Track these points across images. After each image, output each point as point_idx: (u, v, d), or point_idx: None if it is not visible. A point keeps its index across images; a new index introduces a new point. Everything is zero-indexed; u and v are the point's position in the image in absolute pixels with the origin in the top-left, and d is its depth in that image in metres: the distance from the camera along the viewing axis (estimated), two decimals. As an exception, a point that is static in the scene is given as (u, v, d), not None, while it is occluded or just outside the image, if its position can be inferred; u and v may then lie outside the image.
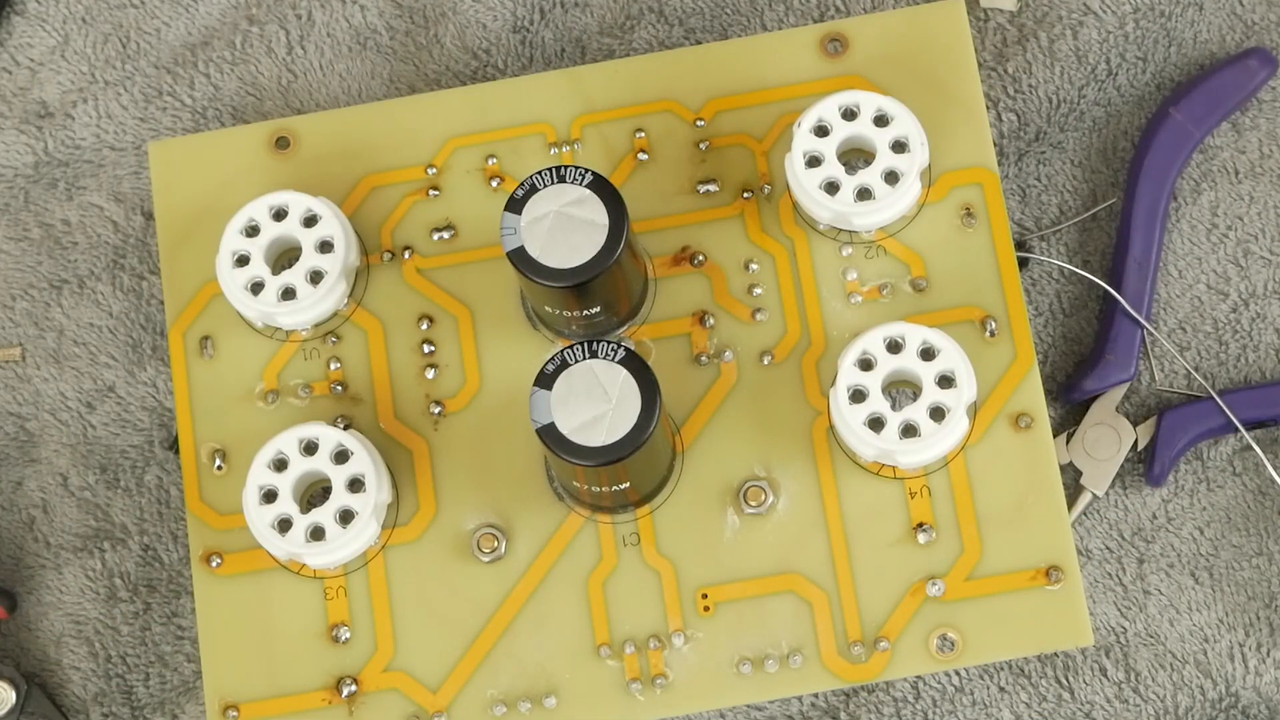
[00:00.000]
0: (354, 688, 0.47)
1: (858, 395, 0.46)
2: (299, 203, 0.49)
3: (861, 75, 0.50)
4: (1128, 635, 0.50)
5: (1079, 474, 0.50)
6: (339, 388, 0.49)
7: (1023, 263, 0.51)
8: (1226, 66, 0.51)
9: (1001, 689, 0.49)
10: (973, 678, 0.49)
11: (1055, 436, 0.50)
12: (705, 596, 0.47)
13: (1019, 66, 0.53)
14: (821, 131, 0.48)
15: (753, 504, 0.47)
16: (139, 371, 0.52)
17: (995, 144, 0.52)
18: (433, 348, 0.49)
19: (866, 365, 0.46)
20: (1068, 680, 0.49)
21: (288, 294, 0.48)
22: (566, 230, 0.45)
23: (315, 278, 0.48)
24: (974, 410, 0.47)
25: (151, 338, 0.53)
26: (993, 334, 0.48)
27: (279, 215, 0.49)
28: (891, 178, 0.48)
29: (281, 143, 0.51)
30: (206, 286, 0.49)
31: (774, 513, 0.47)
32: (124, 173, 0.54)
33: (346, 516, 0.46)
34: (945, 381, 0.46)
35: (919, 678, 0.49)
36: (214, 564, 0.48)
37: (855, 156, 0.49)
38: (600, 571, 0.47)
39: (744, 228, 0.49)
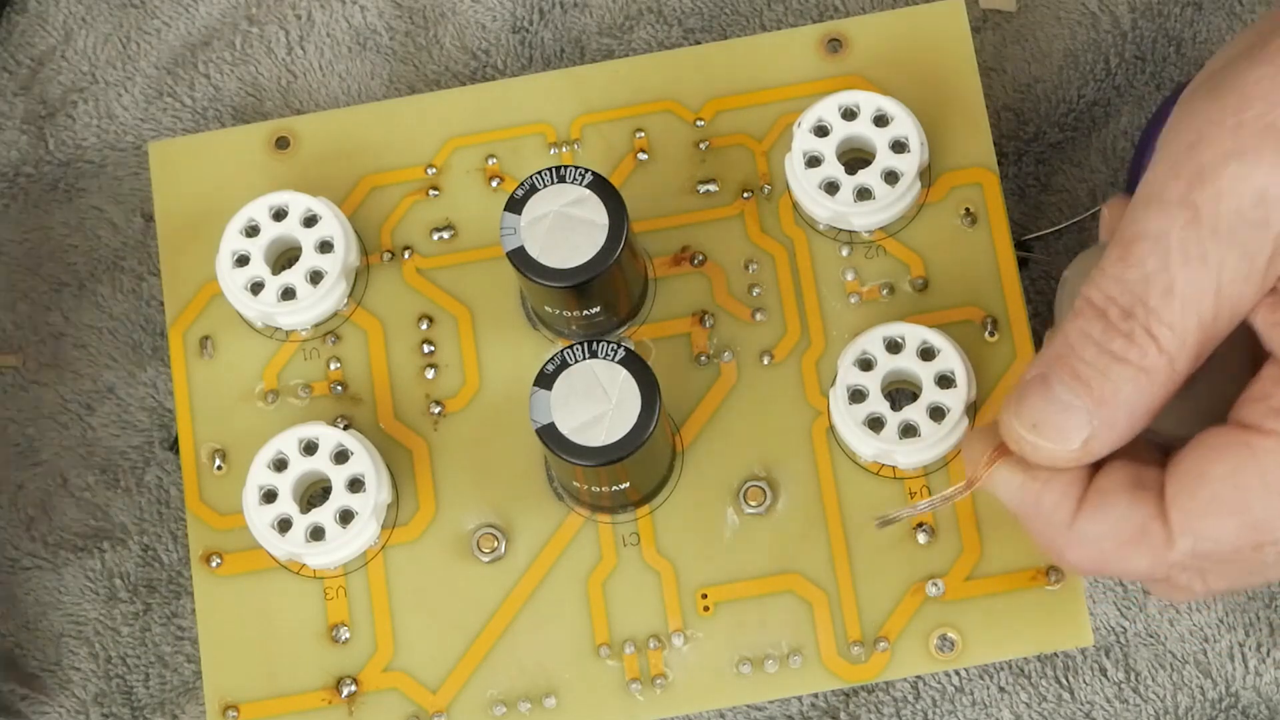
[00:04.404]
0: (354, 688, 0.47)
1: (857, 395, 0.46)
2: (299, 203, 0.49)
3: (861, 75, 0.50)
4: (1128, 635, 0.50)
5: (1079, 474, 0.50)
6: (339, 388, 0.49)
7: (1023, 263, 0.51)
8: (1226, 66, 0.51)
9: (1001, 689, 0.49)
10: (973, 678, 0.49)
11: (1055, 436, 0.50)
12: (705, 596, 0.47)
13: (1019, 66, 0.53)
14: (821, 131, 0.48)
15: (753, 504, 0.47)
16: (139, 372, 0.52)
17: (995, 144, 0.51)
18: (433, 348, 0.49)
19: (866, 365, 0.46)
20: (1068, 680, 0.49)
21: (288, 294, 0.48)
22: (566, 230, 0.45)
23: (315, 278, 0.48)
24: (974, 410, 0.47)
25: (151, 338, 0.53)
26: (993, 334, 0.48)
27: (279, 215, 0.49)
28: (891, 178, 0.48)
29: (281, 143, 0.51)
30: (206, 286, 0.49)
31: (774, 513, 0.47)
32: (124, 173, 0.54)
33: (346, 516, 0.46)
34: (945, 381, 0.46)
35: (919, 678, 0.49)
36: (214, 564, 0.48)
37: (855, 156, 0.49)
38: (600, 571, 0.47)
39: (744, 228, 0.49)
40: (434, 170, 0.50)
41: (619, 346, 0.44)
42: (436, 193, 0.50)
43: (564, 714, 0.47)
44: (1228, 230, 0.38)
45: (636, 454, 0.44)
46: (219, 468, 0.48)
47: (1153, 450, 0.41)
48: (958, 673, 0.49)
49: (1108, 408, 0.39)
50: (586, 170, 0.45)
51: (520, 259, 0.45)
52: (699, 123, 0.50)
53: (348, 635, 0.47)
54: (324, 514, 0.46)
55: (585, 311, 0.47)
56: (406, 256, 0.50)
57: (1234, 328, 0.39)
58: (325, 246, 0.48)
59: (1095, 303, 0.39)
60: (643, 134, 0.50)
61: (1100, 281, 0.39)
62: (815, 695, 0.49)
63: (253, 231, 0.49)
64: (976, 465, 0.41)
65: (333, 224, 0.48)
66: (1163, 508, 0.39)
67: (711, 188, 0.50)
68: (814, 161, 0.48)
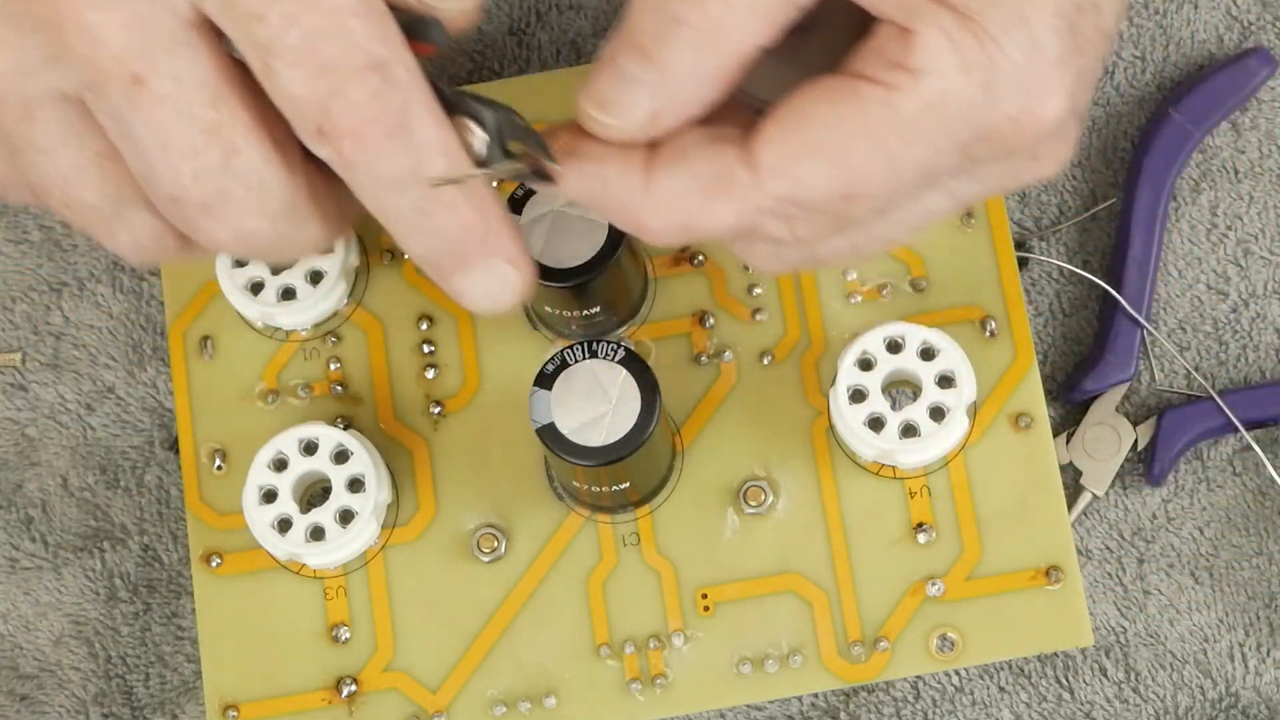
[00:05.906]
0: (354, 688, 0.47)
1: (858, 395, 0.46)
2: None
3: (861, 75, 0.50)
4: (1128, 635, 0.50)
5: (1079, 474, 0.50)
6: (339, 388, 0.49)
7: (1023, 263, 0.51)
8: (1226, 66, 0.51)
9: (1001, 689, 0.49)
10: (973, 678, 0.49)
11: (1055, 436, 0.50)
12: (705, 596, 0.47)
13: (1018, 67, 0.53)
14: (821, 131, 0.48)
15: (753, 504, 0.47)
16: (139, 372, 0.52)
17: (995, 144, 0.51)
18: (433, 348, 0.49)
19: (866, 365, 0.46)
20: (1068, 680, 0.49)
21: (287, 294, 0.48)
22: (566, 230, 0.45)
23: (315, 277, 0.48)
24: (974, 410, 0.47)
25: (151, 338, 0.53)
26: (993, 334, 0.48)
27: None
28: (891, 178, 0.48)
29: (281, 143, 0.50)
30: (206, 286, 0.49)
31: (774, 513, 0.47)
32: (124, 173, 0.54)
33: (346, 516, 0.46)
34: (945, 381, 0.46)
35: (919, 678, 0.49)
36: (214, 564, 0.48)
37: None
38: (600, 571, 0.47)
39: (744, 228, 0.49)
40: (434, 170, 0.50)
41: (619, 346, 0.44)
42: (436, 193, 0.50)
43: (564, 714, 0.47)
44: None
45: (636, 454, 0.44)
46: (219, 468, 0.48)
47: (751, 116, 0.38)
48: (958, 673, 0.49)
49: (672, 77, 0.36)
50: (586, 170, 0.45)
51: (520, 259, 0.45)
52: (699, 123, 0.50)
53: (348, 635, 0.47)
54: (324, 514, 0.46)
55: (585, 312, 0.47)
56: (406, 257, 0.49)
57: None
58: (325, 246, 0.48)
59: None
60: (642, 134, 0.50)
61: None
62: (815, 695, 0.49)
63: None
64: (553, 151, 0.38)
65: (333, 224, 0.48)
66: (748, 151, 0.37)
67: (711, 188, 0.49)
68: (814, 161, 0.48)
